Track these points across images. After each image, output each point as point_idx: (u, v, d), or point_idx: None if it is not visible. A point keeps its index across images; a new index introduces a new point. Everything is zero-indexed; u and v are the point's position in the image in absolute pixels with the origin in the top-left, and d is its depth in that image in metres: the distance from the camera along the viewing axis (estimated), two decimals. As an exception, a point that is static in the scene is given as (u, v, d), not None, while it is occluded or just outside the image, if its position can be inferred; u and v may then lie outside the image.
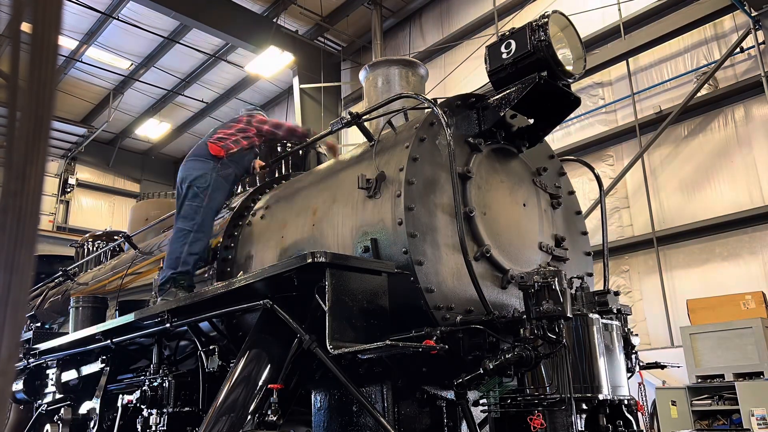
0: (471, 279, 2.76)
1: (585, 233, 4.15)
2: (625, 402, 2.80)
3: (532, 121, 3.69)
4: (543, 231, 3.71)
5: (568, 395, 2.45)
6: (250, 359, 3.11)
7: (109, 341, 4.60)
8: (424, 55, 13.50)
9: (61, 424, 4.95)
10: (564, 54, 3.25)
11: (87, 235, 8.57)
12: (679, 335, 8.54)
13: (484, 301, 2.75)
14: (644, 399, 3.75)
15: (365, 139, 3.55)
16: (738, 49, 9.35)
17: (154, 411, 3.88)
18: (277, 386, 2.87)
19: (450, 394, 3.20)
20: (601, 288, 3.54)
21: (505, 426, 2.58)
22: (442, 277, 3.00)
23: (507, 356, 2.43)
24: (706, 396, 7.76)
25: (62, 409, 5.08)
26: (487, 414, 2.77)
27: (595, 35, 10.76)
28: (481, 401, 2.78)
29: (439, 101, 3.25)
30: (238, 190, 4.96)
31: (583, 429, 2.61)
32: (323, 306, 2.66)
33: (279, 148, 5.34)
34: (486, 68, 3.35)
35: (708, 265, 9.37)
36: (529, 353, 2.41)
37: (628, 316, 3.32)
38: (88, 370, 5.25)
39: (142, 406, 3.95)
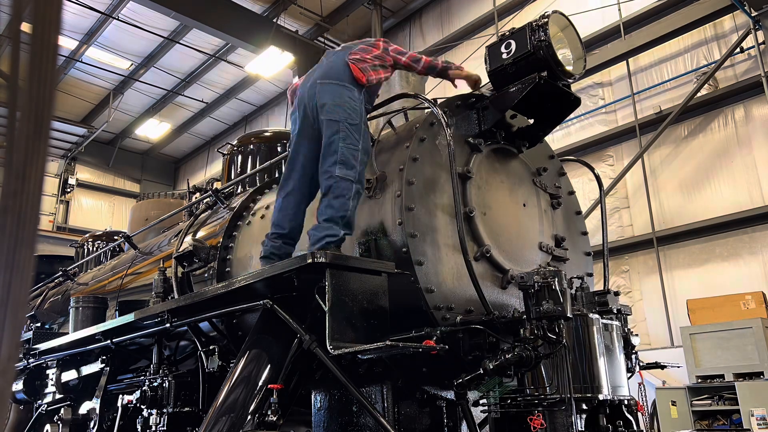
0: (471, 279, 2.76)
1: (585, 233, 4.15)
2: (625, 402, 2.80)
3: (532, 121, 3.69)
4: (543, 231, 3.71)
5: (568, 395, 2.45)
6: (250, 359, 3.11)
7: (109, 341, 4.60)
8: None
9: (61, 424, 4.95)
10: (564, 54, 3.25)
11: (87, 235, 8.58)
12: (679, 335, 8.54)
13: (484, 301, 2.75)
14: (644, 399, 3.75)
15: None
16: (738, 49, 9.34)
17: (154, 411, 3.88)
18: (277, 386, 2.86)
19: (450, 394, 3.20)
20: (601, 288, 3.54)
21: (505, 426, 2.58)
22: (442, 277, 3.00)
23: (507, 356, 2.43)
24: (706, 396, 7.76)
25: (62, 409, 5.08)
26: (487, 414, 2.77)
27: (595, 35, 10.76)
28: (481, 401, 2.78)
29: (439, 101, 3.25)
30: None
31: (583, 429, 2.61)
32: (323, 306, 2.66)
33: (279, 149, 5.33)
34: (486, 68, 3.35)
35: (708, 265, 9.37)
36: (529, 353, 2.41)
37: (628, 316, 3.32)
38: (88, 370, 5.25)
39: (142, 406, 3.95)
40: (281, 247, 3.31)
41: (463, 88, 3.69)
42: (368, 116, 3.46)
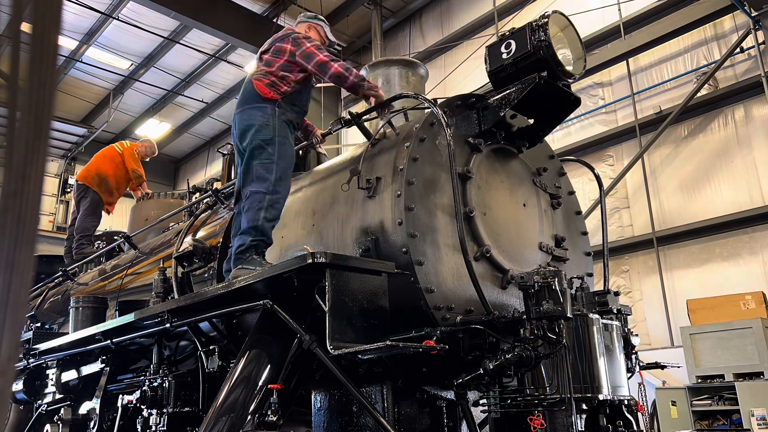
0: (471, 279, 2.76)
1: (585, 233, 4.16)
2: (625, 402, 2.80)
3: (532, 121, 3.69)
4: (543, 231, 3.71)
5: (568, 395, 2.45)
6: (250, 359, 3.11)
7: (109, 341, 4.60)
8: (424, 55, 13.50)
9: (61, 424, 4.95)
10: (564, 54, 3.25)
11: (87, 235, 8.56)
12: (679, 335, 8.54)
13: (484, 302, 2.75)
14: (644, 399, 3.75)
15: (365, 139, 3.55)
16: (738, 50, 9.34)
17: (154, 411, 3.88)
18: (277, 386, 2.86)
19: (450, 394, 3.20)
20: (601, 288, 3.54)
21: (505, 426, 2.58)
22: (442, 277, 3.00)
23: (507, 356, 2.43)
24: (706, 396, 7.75)
25: (62, 409, 5.08)
26: (487, 414, 2.77)
27: (595, 35, 10.76)
28: (481, 401, 2.78)
29: (439, 101, 3.25)
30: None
31: (583, 429, 2.61)
32: (323, 306, 2.66)
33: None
34: (486, 68, 3.35)
35: (708, 265, 9.37)
36: (529, 353, 2.41)
37: (628, 317, 3.32)
38: (88, 370, 5.25)
39: (142, 406, 3.95)
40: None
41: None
42: (365, 117, 3.49)
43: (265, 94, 3.52)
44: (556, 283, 2.43)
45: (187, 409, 3.83)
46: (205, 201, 5.10)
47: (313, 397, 3.34)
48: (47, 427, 5.07)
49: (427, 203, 3.10)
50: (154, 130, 18.72)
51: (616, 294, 3.25)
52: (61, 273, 7.25)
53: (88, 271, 7.12)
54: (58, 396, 5.50)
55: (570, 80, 3.32)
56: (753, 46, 9.24)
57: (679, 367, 4.78)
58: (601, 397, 2.63)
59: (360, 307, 2.71)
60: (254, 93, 3.55)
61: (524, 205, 3.65)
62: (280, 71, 3.58)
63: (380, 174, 3.21)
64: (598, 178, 4.31)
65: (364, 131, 3.51)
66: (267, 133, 3.43)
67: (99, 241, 7.90)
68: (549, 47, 3.12)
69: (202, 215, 5.01)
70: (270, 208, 3.37)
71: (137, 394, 4.00)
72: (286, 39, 3.67)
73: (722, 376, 7.66)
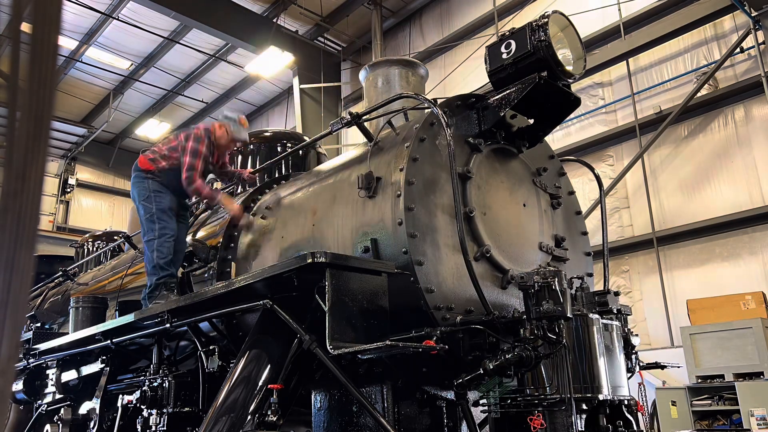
0: (471, 279, 2.76)
1: (585, 233, 4.15)
2: (625, 402, 2.80)
3: (532, 121, 3.69)
4: (543, 231, 3.71)
5: (568, 395, 2.45)
6: (250, 359, 3.11)
7: (109, 341, 4.60)
8: (424, 55, 13.50)
9: (61, 424, 4.94)
10: (564, 54, 3.25)
11: (87, 235, 8.58)
12: (679, 335, 8.54)
13: (484, 302, 2.75)
14: (644, 399, 3.75)
15: (365, 139, 3.55)
16: (738, 50, 9.34)
17: (154, 411, 3.88)
18: (277, 386, 2.86)
19: (450, 394, 3.20)
20: (601, 288, 3.54)
21: (505, 426, 2.58)
22: (442, 277, 3.00)
23: (507, 356, 2.43)
24: (706, 396, 7.75)
25: (62, 409, 5.08)
26: (487, 414, 2.77)
27: (595, 35, 10.76)
28: (481, 401, 2.78)
29: (439, 101, 3.25)
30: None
31: (583, 429, 2.61)
32: (323, 306, 2.66)
33: (279, 149, 5.35)
34: (486, 68, 3.35)
35: (708, 265, 9.37)
36: (529, 353, 2.41)
37: (628, 317, 3.32)
38: (88, 370, 5.24)
39: (142, 407, 3.95)
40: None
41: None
42: (365, 117, 3.54)
43: (143, 165, 4.41)
44: (556, 283, 2.43)
45: (187, 409, 3.83)
46: (205, 201, 5.09)
47: (313, 397, 3.34)
48: (47, 427, 5.07)
49: (427, 203, 3.10)
50: (154, 130, 18.72)
51: (616, 294, 3.25)
52: (61, 273, 7.25)
53: (88, 271, 7.12)
54: (58, 396, 5.50)
55: (570, 80, 3.32)
56: (753, 46, 9.24)
57: (679, 367, 4.79)
58: (601, 397, 2.63)
59: (360, 307, 2.71)
60: (136, 165, 4.46)
61: (524, 205, 3.65)
62: (164, 150, 4.43)
63: (380, 174, 3.21)
64: (598, 178, 4.31)
65: (364, 131, 3.51)
66: (143, 194, 4.32)
67: (99, 241, 7.90)
68: (549, 47, 3.12)
69: (202, 215, 5.01)
70: (160, 248, 4.16)
71: (137, 394, 4.00)
72: (189, 132, 4.46)
73: (722, 376, 7.66)
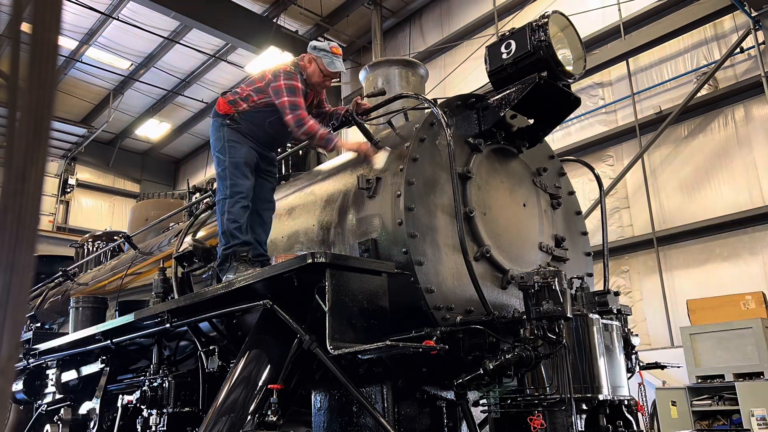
0: (471, 279, 2.76)
1: (585, 233, 4.15)
2: (625, 402, 2.80)
3: (532, 121, 3.69)
4: (543, 231, 3.71)
5: (568, 395, 2.45)
6: (250, 359, 3.11)
7: (109, 341, 4.60)
8: (424, 55, 13.49)
9: (61, 424, 4.95)
10: (564, 54, 3.25)
11: (87, 235, 8.58)
12: (679, 335, 8.54)
13: (484, 302, 2.75)
14: (644, 399, 3.75)
15: (365, 140, 3.55)
16: (738, 50, 9.34)
17: (154, 411, 3.88)
18: (277, 386, 2.86)
19: (450, 394, 3.20)
20: (601, 288, 3.54)
21: (505, 426, 2.58)
22: (442, 277, 3.00)
23: (507, 356, 2.43)
24: (706, 396, 7.75)
25: (62, 409, 5.08)
26: (487, 414, 2.77)
27: (595, 35, 10.76)
28: (481, 401, 2.78)
29: (439, 101, 3.25)
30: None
31: (583, 429, 2.61)
32: (323, 306, 2.66)
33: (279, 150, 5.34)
34: (486, 68, 3.35)
35: (708, 265, 9.37)
36: (529, 353, 2.41)
37: (628, 317, 3.32)
38: (87, 370, 5.25)
39: (142, 407, 3.95)
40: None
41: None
42: (365, 117, 3.51)
43: (221, 109, 3.77)
44: (556, 283, 2.43)
45: (187, 409, 3.83)
46: (205, 201, 5.10)
47: (313, 397, 3.34)
48: (47, 427, 5.07)
49: (427, 203, 3.10)
50: (153, 131, 18.72)
51: (616, 294, 3.25)
52: (61, 273, 7.25)
53: (88, 271, 7.12)
54: (58, 396, 5.50)
55: (570, 80, 3.32)
56: (753, 46, 9.24)
57: (679, 367, 4.79)
58: (601, 397, 2.63)
59: (360, 307, 2.71)
60: (215, 110, 3.84)
61: (524, 205, 3.65)
62: (248, 90, 3.76)
63: (380, 174, 3.21)
64: (598, 178, 4.31)
65: (365, 131, 3.51)
66: (218, 144, 3.71)
67: (99, 241, 7.90)
68: (549, 47, 3.12)
69: (202, 215, 5.01)
70: (231, 210, 3.56)
71: (137, 394, 4.00)
72: (278, 70, 3.79)
73: (722, 376, 7.66)
